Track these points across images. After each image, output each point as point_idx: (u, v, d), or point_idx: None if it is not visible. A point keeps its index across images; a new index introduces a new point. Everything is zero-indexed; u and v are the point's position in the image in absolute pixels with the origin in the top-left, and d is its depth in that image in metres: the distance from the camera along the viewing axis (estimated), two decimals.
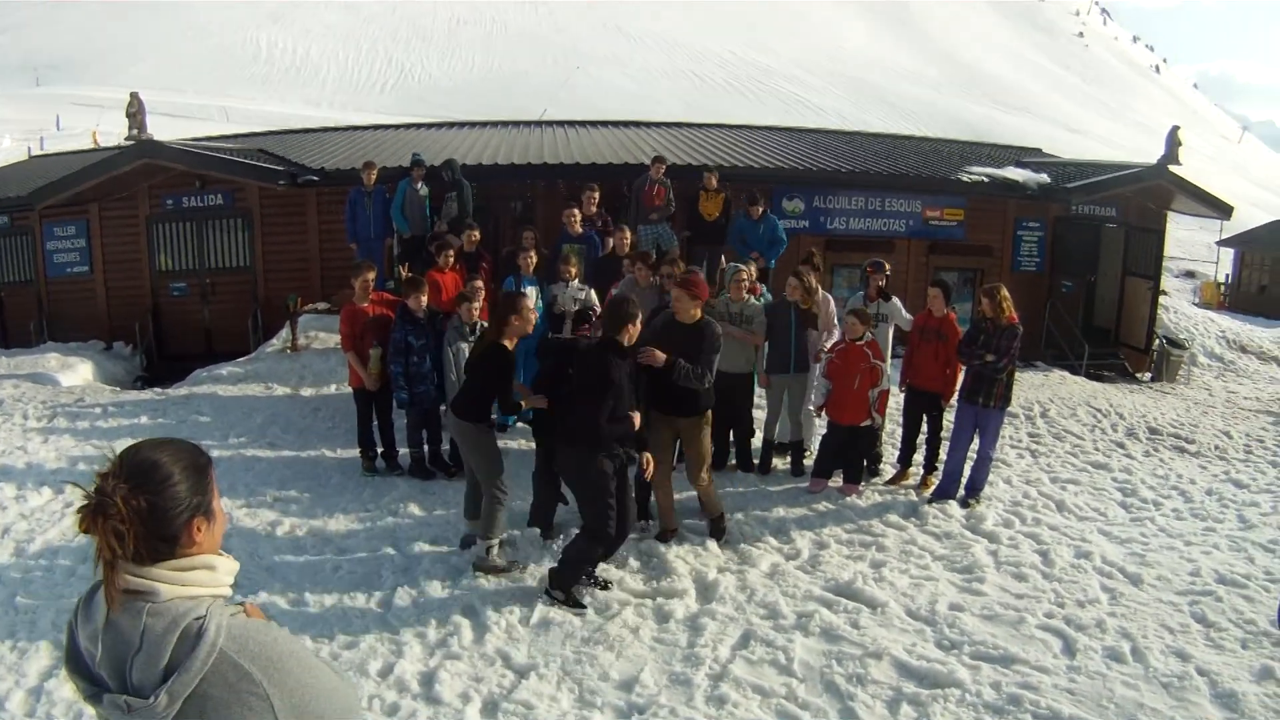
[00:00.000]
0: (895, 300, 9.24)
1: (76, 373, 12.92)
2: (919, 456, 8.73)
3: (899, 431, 9.07)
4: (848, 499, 8.08)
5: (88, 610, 1.90)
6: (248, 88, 75.11)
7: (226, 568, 1.96)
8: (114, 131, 37.54)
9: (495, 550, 6.37)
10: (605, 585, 6.08)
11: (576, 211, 11.01)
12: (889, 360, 8.89)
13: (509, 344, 6.38)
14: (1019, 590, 6.29)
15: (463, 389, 6.71)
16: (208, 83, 73.51)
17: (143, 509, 1.81)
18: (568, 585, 5.85)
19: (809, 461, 8.89)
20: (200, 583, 1.88)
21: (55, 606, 5.76)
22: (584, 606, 5.79)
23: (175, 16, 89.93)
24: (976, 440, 8.14)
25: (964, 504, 7.96)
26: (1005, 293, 7.91)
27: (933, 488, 8.33)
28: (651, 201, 12.08)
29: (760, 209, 11.62)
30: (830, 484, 8.35)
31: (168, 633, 1.78)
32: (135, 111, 14.81)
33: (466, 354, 7.56)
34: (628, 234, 10.57)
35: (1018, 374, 12.97)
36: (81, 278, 15.35)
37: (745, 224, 11.67)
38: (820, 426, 9.01)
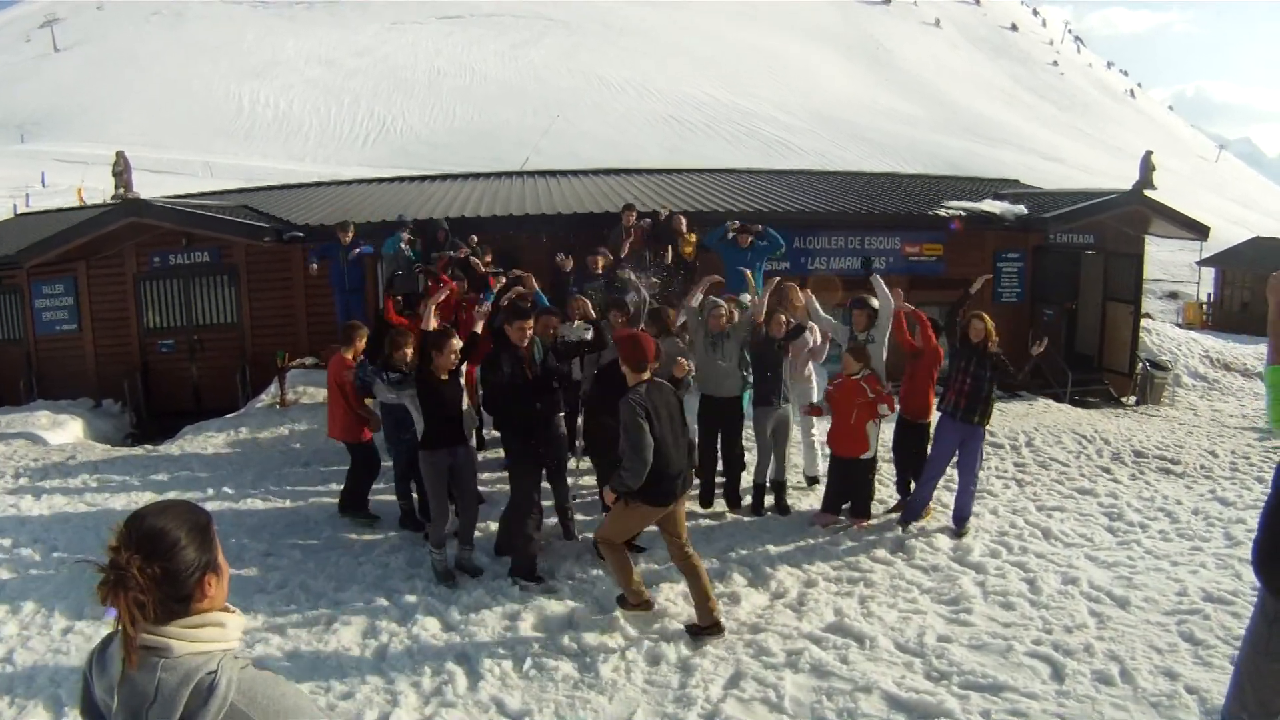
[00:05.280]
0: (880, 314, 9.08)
1: (67, 430, 12.96)
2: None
3: (885, 467, 9.15)
4: (851, 530, 8.14)
5: (102, 662, 2.01)
6: (230, 143, 75.51)
7: (235, 624, 2.07)
8: (99, 188, 37.72)
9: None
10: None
11: (599, 258, 11.44)
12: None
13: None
14: (1007, 619, 6.34)
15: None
16: (191, 138, 73.87)
17: (158, 576, 1.91)
18: None
19: (802, 501, 8.94)
20: (211, 638, 1.98)
21: (52, 663, 5.82)
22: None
23: (158, 72, 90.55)
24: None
25: (955, 534, 8.05)
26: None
27: (929, 516, 8.44)
28: (634, 246, 12.24)
29: (749, 238, 11.79)
30: (840, 518, 8.42)
31: (181, 686, 1.88)
32: (121, 170, 14.95)
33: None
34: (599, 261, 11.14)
35: (1002, 405, 13.18)
36: (70, 335, 15.43)
37: (732, 253, 11.72)
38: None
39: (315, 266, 13.29)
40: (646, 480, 5.75)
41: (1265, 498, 3.79)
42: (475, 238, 12.87)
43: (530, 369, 7.30)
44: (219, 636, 2.00)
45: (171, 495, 9.39)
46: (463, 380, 7.44)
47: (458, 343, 7.12)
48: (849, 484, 8.40)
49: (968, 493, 8.20)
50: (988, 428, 8.34)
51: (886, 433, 9.06)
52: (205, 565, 1.99)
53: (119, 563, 1.88)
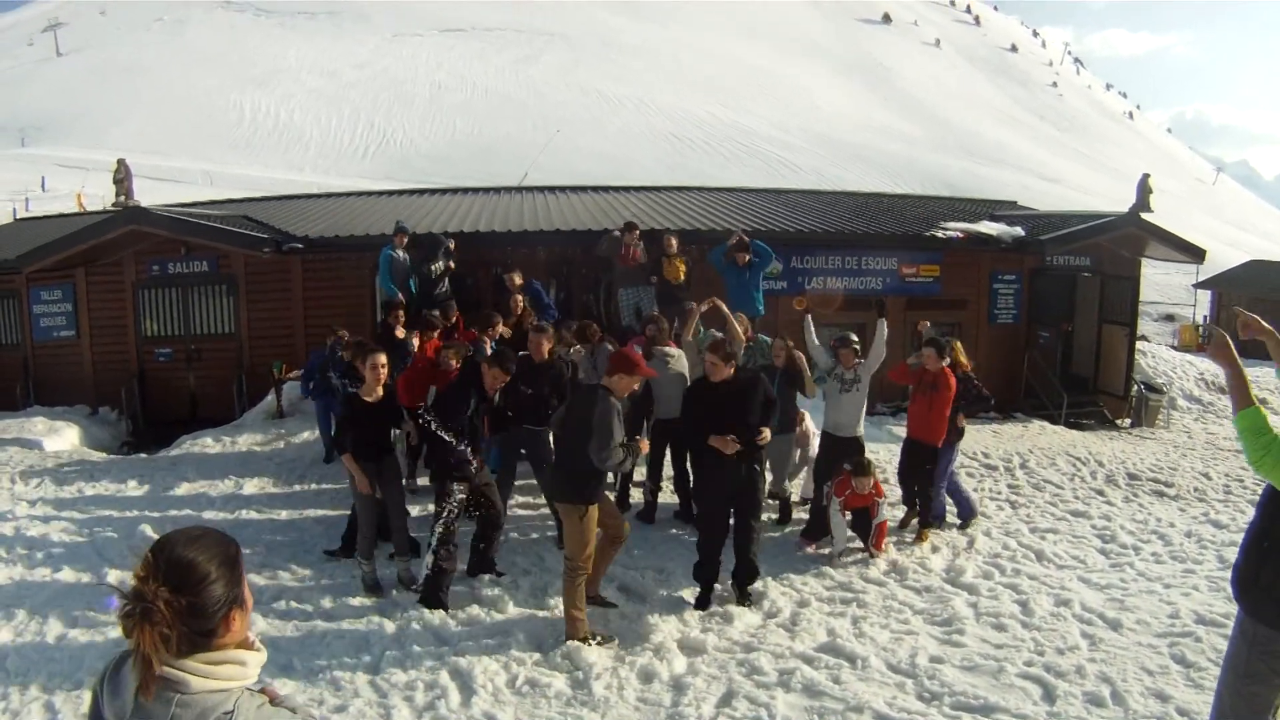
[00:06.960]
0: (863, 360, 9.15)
1: (63, 437, 12.94)
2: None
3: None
4: (876, 556, 8.11)
5: (114, 684, 1.95)
6: (231, 151, 75.44)
7: (256, 661, 2.02)
8: (99, 194, 37.74)
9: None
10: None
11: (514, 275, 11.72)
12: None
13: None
14: (999, 640, 6.36)
15: None
16: (191, 146, 73.78)
17: (184, 609, 1.85)
18: None
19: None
20: (229, 676, 1.94)
21: (46, 670, 5.84)
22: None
23: (160, 79, 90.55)
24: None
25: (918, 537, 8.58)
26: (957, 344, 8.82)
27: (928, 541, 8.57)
28: (629, 263, 12.19)
29: (746, 257, 11.61)
30: (854, 544, 8.39)
31: None
32: (122, 178, 15.02)
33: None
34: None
35: (996, 426, 13.26)
36: (68, 342, 15.44)
37: (732, 272, 11.66)
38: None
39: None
40: None
41: None
42: (452, 243, 12.88)
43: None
44: (238, 675, 1.96)
45: (166, 506, 9.42)
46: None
47: (382, 357, 7.27)
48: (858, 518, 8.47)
49: (935, 496, 8.84)
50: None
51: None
52: (232, 600, 1.95)
53: (145, 594, 1.82)
